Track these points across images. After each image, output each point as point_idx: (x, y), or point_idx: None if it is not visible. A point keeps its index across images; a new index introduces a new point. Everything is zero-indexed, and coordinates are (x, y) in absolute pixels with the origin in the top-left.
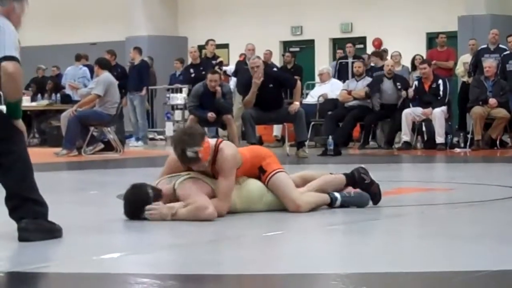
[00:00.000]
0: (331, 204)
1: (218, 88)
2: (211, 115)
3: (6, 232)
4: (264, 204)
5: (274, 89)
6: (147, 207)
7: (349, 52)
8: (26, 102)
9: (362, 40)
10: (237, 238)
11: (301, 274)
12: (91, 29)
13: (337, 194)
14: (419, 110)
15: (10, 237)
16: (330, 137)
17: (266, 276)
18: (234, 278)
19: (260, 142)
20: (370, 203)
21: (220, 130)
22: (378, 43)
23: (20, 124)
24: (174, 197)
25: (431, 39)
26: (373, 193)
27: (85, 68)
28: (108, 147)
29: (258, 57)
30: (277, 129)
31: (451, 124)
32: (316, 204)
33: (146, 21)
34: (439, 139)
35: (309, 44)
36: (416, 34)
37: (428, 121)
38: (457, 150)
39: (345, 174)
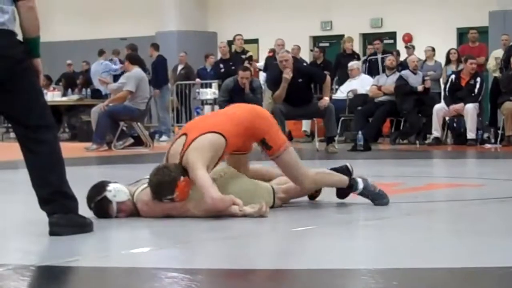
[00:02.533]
0: (350, 188)
1: (246, 82)
2: None
3: (36, 226)
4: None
5: (304, 84)
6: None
7: (377, 48)
8: (57, 97)
9: (392, 35)
10: (267, 233)
11: (331, 269)
12: (121, 24)
13: (360, 184)
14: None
15: (41, 231)
16: (360, 132)
17: (296, 271)
18: (264, 273)
19: (290, 138)
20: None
21: None
22: (408, 38)
23: (38, 63)
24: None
25: (462, 34)
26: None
27: (107, 62)
28: (138, 142)
29: (287, 51)
30: (306, 125)
31: (481, 119)
32: (328, 184)
33: (176, 16)
34: (471, 134)
35: (338, 39)
36: (446, 29)
37: (459, 117)
38: (488, 146)
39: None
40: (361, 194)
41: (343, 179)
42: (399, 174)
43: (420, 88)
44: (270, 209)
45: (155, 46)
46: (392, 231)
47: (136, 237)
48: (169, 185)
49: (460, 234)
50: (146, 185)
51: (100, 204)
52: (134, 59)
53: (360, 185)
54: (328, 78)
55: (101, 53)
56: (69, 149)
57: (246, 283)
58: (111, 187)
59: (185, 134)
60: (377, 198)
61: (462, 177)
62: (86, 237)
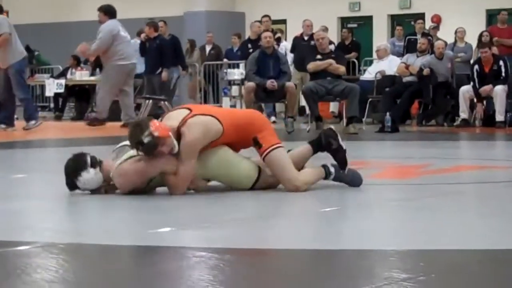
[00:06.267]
0: (326, 178)
1: (271, 41)
2: (271, 82)
3: (66, 205)
4: (221, 169)
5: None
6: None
7: (419, 28)
8: (85, 77)
9: (421, 16)
10: (294, 214)
11: (358, 250)
12: (149, 4)
13: (332, 169)
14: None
15: (71, 210)
16: (388, 113)
17: (323, 251)
18: (291, 253)
19: (319, 119)
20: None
21: (276, 105)
22: (437, 19)
23: None
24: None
25: (491, 16)
26: (339, 160)
27: (136, 42)
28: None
29: (324, 29)
30: (334, 106)
31: (510, 102)
32: (314, 181)
33: None
34: (499, 117)
35: (367, 20)
36: (475, 10)
37: (488, 99)
38: None
39: (311, 141)
40: (335, 179)
41: (321, 171)
42: (426, 155)
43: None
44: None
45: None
46: (419, 212)
47: (163, 216)
48: (142, 124)
49: (488, 216)
50: (120, 161)
51: (71, 187)
52: (107, 10)
53: (332, 175)
54: (344, 69)
55: None
56: (99, 128)
57: (274, 263)
58: (82, 178)
59: (188, 109)
60: (349, 179)
61: (490, 159)
62: (113, 216)
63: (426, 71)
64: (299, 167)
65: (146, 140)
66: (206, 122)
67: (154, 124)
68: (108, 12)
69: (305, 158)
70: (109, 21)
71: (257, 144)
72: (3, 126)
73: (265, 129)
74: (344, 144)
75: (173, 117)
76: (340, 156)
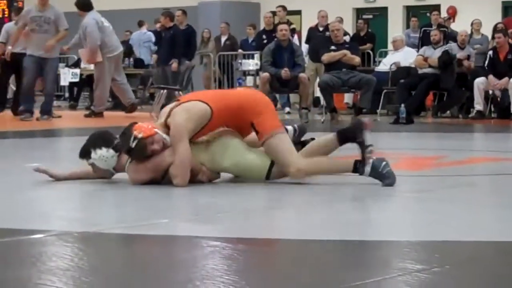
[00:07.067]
0: (356, 171)
1: (286, 34)
2: (285, 71)
3: (81, 194)
4: (231, 163)
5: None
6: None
7: (435, 19)
8: None
9: (437, 7)
10: (307, 205)
11: (373, 240)
12: None
13: (366, 168)
14: (492, 79)
15: (86, 199)
16: (402, 105)
17: (336, 242)
18: (304, 243)
19: (334, 110)
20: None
21: (290, 96)
22: (452, 11)
23: None
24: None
25: (507, 8)
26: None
27: (150, 33)
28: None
29: (339, 20)
30: (348, 97)
31: None
32: (326, 170)
33: None
34: None
35: (382, 12)
36: (491, 2)
37: (503, 91)
38: None
39: (338, 131)
40: (371, 175)
41: (347, 164)
42: (441, 147)
43: (464, 60)
44: (309, 181)
45: (170, 16)
46: (434, 203)
47: (176, 206)
48: (126, 131)
49: (502, 208)
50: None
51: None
52: (83, 5)
53: (367, 169)
54: (359, 60)
55: (140, 23)
56: (112, 117)
57: (288, 253)
58: (101, 151)
59: (178, 100)
60: (384, 178)
61: (505, 151)
62: (128, 205)
63: (467, 63)
64: (323, 154)
65: (133, 144)
66: (188, 107)
67: (137, 127)
68: (85, 6)
69: (328, 147)
70: (89, 14)
71: (254, 130)
72: (45, 116)
73: (261, 113)
74: (368, 139)
75: (162, 113)
76: (361, 150)
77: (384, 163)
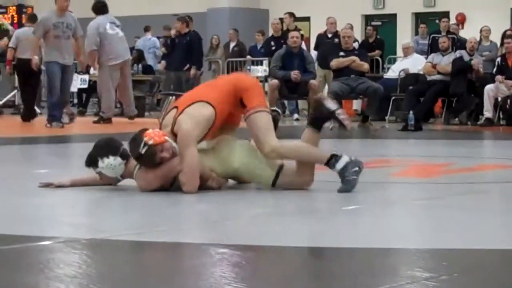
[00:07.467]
0: (328, 164)
1: (297, 41)
2: (295, 73)
3: (88, 200)
4: (241, 163)
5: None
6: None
7: (444, 26)
8: None
9: (445, 14)
10: (315, 212)
11: (380, 248)
12: (173, 0)
13: (339, 164)
14: (502, 86)
15: (93, 205)
16: (411, 112)
17: (344, 249)
18: (314, 250)
19: None
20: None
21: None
22: (461, 18)
23: None
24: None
25: None
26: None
27: (155, 39)
28: None
29: (350, 27)
30: (357, 104)
31: None
32: (300, 156)
33: None
34: None
35: (391, 18)
36: (500, 9)
37: None
38: None
39: (309, 123)
40: (339, 173)
41: (322, 156)
42: (450, 154)
43: (475, 65)
44: (316, 187)
45: (186, 22)
46: (442, 211)
47: (184, 213)
48: (137, 138)
49: (511, 215)
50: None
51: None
52: (94, 8)
53: (341, 165)
54: (367, 66)
55: (146, 29)
56: (119, 123)
57: (295, 260)
58: (108, 160)
59: (176, 107)
60: (343, 182)
61: None
62: (136, 212)
63: (479, 69)
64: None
65: (143, 151)
66: (193, 114)
67: (148, 134)
68: (95, 9)
69: (311, 140)
70: (97, 18)
71: (242, 104)
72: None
73: (250, 90)
74: (332, 105)
75: (167, 123)
76: (337, 121)
77: (356, 168)
